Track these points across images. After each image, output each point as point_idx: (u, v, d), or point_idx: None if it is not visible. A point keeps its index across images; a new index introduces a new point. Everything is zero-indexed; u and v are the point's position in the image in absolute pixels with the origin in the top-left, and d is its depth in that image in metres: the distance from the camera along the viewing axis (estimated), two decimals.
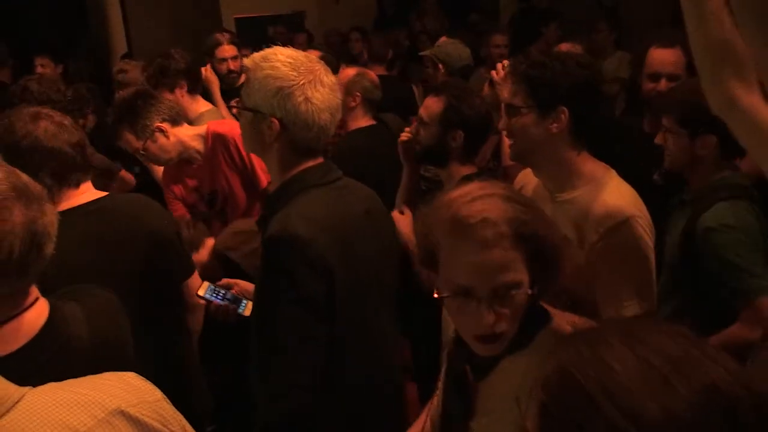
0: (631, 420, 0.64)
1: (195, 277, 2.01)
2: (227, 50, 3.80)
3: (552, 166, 1.70)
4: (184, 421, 1.05)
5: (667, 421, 0.63)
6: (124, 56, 5.87)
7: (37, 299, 1.21)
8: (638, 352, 0.68)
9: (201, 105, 3.25)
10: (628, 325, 0.80)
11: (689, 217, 1.89)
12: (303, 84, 1.48)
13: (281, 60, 1.50)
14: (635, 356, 0.68)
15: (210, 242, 2.27)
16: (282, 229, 1.45)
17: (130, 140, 2.53)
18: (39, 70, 5.00)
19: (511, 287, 1.07)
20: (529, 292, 1.08)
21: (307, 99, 1.48)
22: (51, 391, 0.95)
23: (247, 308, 1.97)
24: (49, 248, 1.18)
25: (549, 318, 1.16)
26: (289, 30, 6.72)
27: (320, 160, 1.59)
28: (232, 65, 3.76)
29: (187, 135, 2.64)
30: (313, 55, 1.88)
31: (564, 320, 1.15)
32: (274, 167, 1.60)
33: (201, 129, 2.71)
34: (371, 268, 1.57)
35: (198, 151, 2.67)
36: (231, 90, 3.61)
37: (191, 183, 2.79)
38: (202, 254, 2.24)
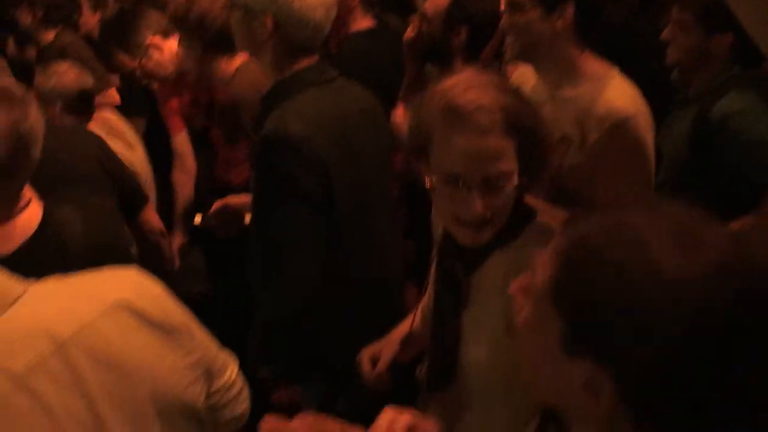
0: (651, 277, 0.62)
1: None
2: None
3: (554, 63, 1.65)
4: (188, 315, 1.03)
5: (683, 282, 0.61)
6: None
7: (29, 202, 1.21)
8: (656, 217, 0.66)
9: None
10: (641, 199, 0.76)
11: (697, 111, 1.83)
12: None
13: None
14: (653, 220, 0.65)
15: None
16: (277, 128, 1.45)
17: (124, 61, 2.46)
18: None
19: (501, 176, 1.06)
20: (516, 182, 1.08)
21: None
22: (53, 285, 0.95)
23: (246, 217, 1.95)
24: (36, 151, 1.16)
25: (535, 213, 1.17)
26: None
27: (315, 58, 1.57)
28: None
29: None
30: None
31: (552, 216, 1.15)
32: (268, 66, 1.58)
33: None
34: (369, 166, 1.58)
35: None
36: None
37: (188, 96, 2.67)
38: None
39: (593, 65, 1.65)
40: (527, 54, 1.69)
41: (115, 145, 2.01)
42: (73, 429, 0.84)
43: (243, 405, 1.09)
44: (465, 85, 1.08)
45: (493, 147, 1.05)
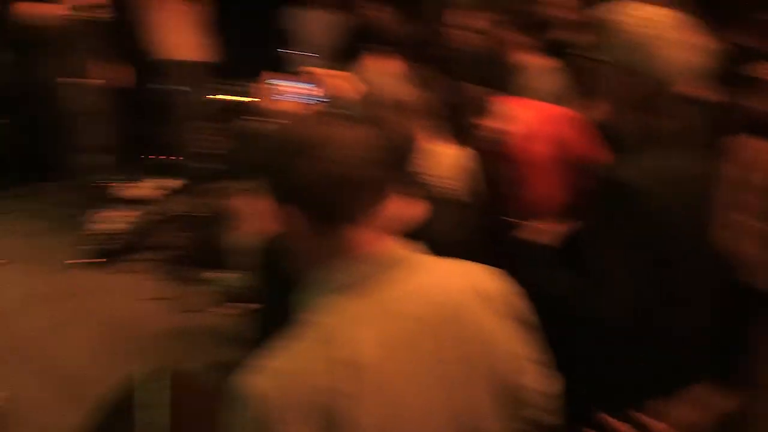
0: None
1: None
2: None
3: None
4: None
5: None
6: None
7: None
8: None
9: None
10: None
11: None
12: (659, 38, 1.52)
13: (639, 15, 1.55)
14: None
15: None
16: (621, 174, 1.50)
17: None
18: None
19: None
20: None
21: (663, 55, 1.52)
22: (436, 261, 1.14)
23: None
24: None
25: None
26: None
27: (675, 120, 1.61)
28: None
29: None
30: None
31: None
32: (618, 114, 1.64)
33: None
34: (698, 234, 1.61)
35: None
36: None
37: None
38: None
39: None
40: None
41: None
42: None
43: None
44: None
45: None
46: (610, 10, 1.60)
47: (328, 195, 1.04)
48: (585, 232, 1.65)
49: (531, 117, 2.64)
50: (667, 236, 1.52)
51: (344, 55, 5.68)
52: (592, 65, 1.70)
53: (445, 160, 2.98)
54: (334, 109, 1.45)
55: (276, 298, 1.41)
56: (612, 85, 1.64)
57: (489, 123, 2.60)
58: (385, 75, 1.56)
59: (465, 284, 1.12)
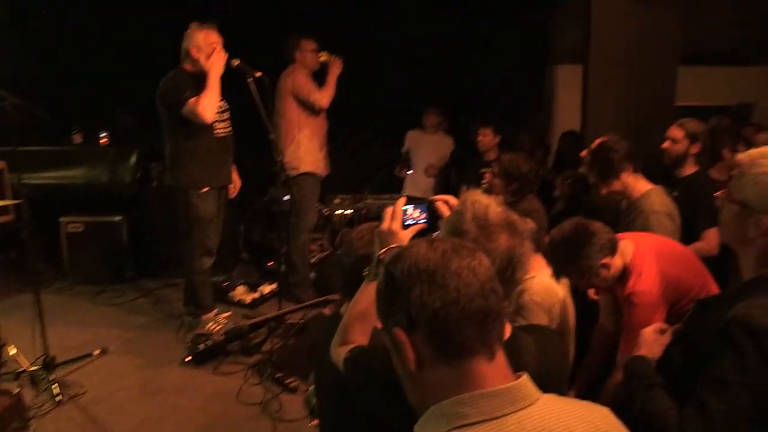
0: None
1: None
2: None
3: None
4: None
5: None
6: (568, 133, 6.21)
7: None
8: None
9: (642, 184, 3.34)
10: None
11: None
12: None
13: None
14: None
15: None
16: (746, 315, 1.46)
17: (574, 276, 2.66)
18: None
19: None
20: None
21: None
22: (557, 400, 1.10)
23: None
24: (520, 273, 1.44)
25: None
26: (734, 121, 6.93)
27: None
28: None
29: (617, 264, 2.59)
30: None
31: None
32: (753, 260, 1.61)
33: (628, 256, 2.60)
34: None
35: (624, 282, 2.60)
36: None
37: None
38: None
39: None
40: None
41: None
42: None
43: None
44: None
45: None
46: (751, 153, 1.61)
47: (453, 326, 1.02)
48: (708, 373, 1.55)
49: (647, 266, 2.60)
50: None
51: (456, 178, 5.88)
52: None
53: (542, 287, 2.91)
54: (450, 235, 1.46)
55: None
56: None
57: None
58: (492, 201, 1.55)
59: (588, 427, 1.08)
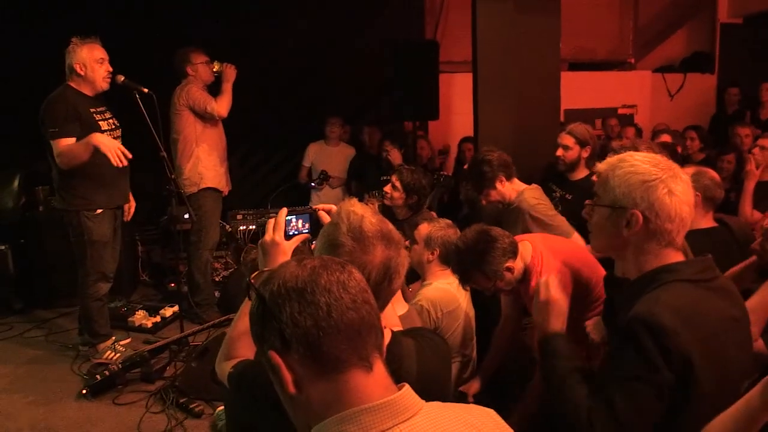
0: None
1: None
2: None
3: None
4: None
5: None
6: (466, 139, 6.23)
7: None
8: None
9: (515, 186, 3.62)
10: None
11: None
12: (665, 178, 1.58)
13: (640, 159, 1.63)
14: None
15: None
16: (648, 312, 1.51)
17: (480, 282, 2.73)
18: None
19: None
20: None
21: (670, 191, 1.57)
22: (439, 408, 1.10)
23: None
24: (397, 283, 1.47)
25: None
26: (619, 123, 7.22)
27: (680, 254, 1.64)
28: None
29: (522, 265, 2.74)
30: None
31: None
32: (632, 260, 1.66)
33: (528, 256, 2.76)
34: (729, 377, 1.57)
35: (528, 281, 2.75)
36: None
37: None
38: None
39: None
40: None
41: None
42: None
43: None
44: None
45: None
46: (608, 161, 1.70)
47: (327, 341, 1.01)
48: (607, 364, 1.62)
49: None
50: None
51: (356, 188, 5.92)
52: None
53: (437, 292, 2.99)
54: (326, 248, 1.48)
55: None
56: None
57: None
58: (367, 211, 1.56)
59: (470, 430, 1.11)
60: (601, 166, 1.71)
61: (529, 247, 2.79)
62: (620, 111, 8.03)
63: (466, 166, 4.18)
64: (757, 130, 6.01)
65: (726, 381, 1.55)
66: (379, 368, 1.07)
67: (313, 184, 6.13)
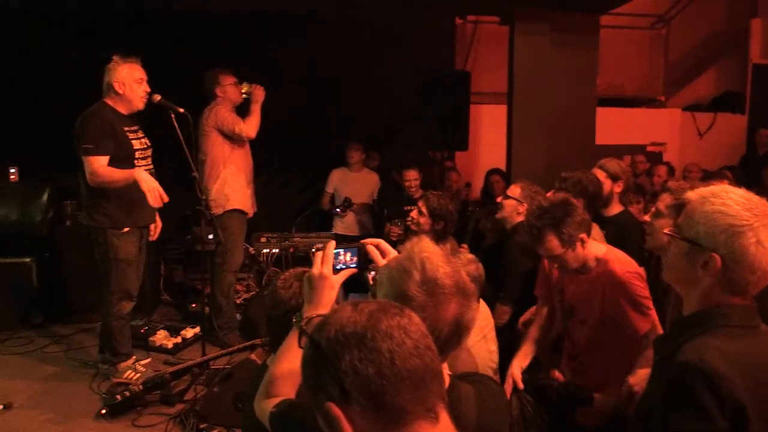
0: None
1: None
2: None
3: None
4: None
5: None
6: (493, 171, 6.29)
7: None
8: None
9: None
10: None
11: None
12: (756, 226, 1.46)
13: (733, 198, 1.50)
14: None
15: None
16: (699, 359, 1.42)
17: (552, 245, 2.78)
18: None
19: None
20: None
21: (758, 241, 1.46)
22: None
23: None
24: (466, 338, 1.42)
25: None
26: (648, 160, 7.24)
27: (748, 301, 1.54)
28: None
29: (591, 251, 2.82)
30: None
31: None
32: (695, 300, 1.57)
33: (601, 251, 2.85)
34: None
35: (588, 268, 2.84)
36: None
37: (563, 290, 2.96)
38: None
39: None
40: None
41: None
42: None
43: None
44: None
45: None
46: (701, 191, 1.58)
47: (390, 391, 0.95)
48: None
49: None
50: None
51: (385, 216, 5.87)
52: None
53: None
54: (393, 299, 1.37)
55: None
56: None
57: None
58: (440, 257, 1.45)
59: None
60: (691, 195, 1.59)
61: (604, 246, 2.90)
62: (649, 148, 7.96)
63: (499, 199, 4.11)
64: None
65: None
66: (445, 419, 1.01)
67: (337, 210, 6.09)
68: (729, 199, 1.50)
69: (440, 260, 1.40)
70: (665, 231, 1.66)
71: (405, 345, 0.98)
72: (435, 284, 1.35)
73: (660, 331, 2.63)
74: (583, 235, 2.76)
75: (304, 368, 1.04)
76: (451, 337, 1.34)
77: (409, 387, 0.96)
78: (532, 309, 3.43)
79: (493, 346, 2.91)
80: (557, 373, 3.00)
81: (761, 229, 1.46)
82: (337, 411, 0.96)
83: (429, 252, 1.41)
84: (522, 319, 3.53)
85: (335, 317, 1.02)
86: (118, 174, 3.80)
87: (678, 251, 1.58)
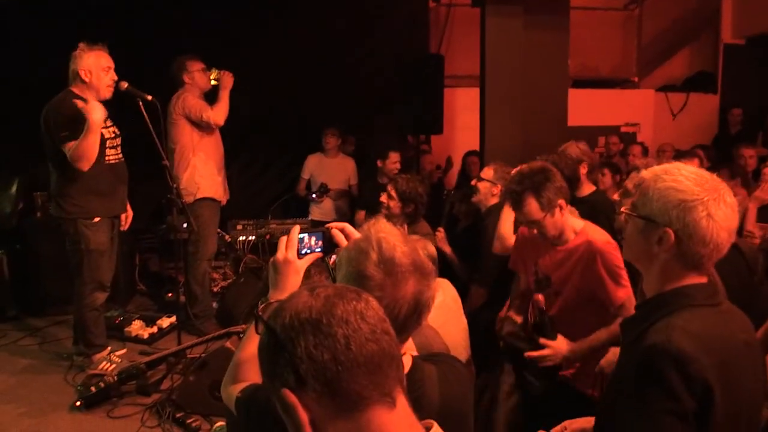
0: None
1: None
2: None
3: None
4: None
5: None
6: (470, 153, 6.30)
7: (403, 354, 1.25)
8: None
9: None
10: None
11: None
12: (707, 200, 1.49)
13: (684, 175, 1.53)
14: None
15: None
16: (666, 341, 1.44)
17: (531, 209, 2.81)
18: None
19: None
20: None
21: (709, 215, 1.49)
22: None
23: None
24: (426, 317, 1.41)
25: None
26: (622, 141, 7.28)
27: (705, 279, 1.57)
28: None
29: (568, 223, 2.88)
30: None
31: None
32: (654, 276, 1.60)
33: (578, 225, 2.91)
34: (746, 401, 1.51)
35: (566, 239, 2.89)
36: None
37: (538, 261, 2.99)
38: None
39: None
40: None
41: None
42: None
43: None
44: None
45: None
46: (654, 169, 1.62)
47: (346, 376, 0.94)
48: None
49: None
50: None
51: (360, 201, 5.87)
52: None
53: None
54: (351, 279, 1.39)
55: None
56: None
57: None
58: (398, 237, 1.45)
59: None
60: (645, 174, 1.64)
61: (581, 222, 2.96)
62: (623, 129, 8.03)
63: (473, 182, 4.12)
64: (762, 150, 6.00)
65: (742, 408, 1.50)
66: (402, 403, 1.00)
67: (313, 196, 6.07)
68: (680, 176, 1.53)
69: (397, 240, 1.40)
70: (621, 210, 1.69)
71: (361, 330, 0.96)
72: (392, 263, 1.36)
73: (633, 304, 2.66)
74: (562, 201, 2.81)
75: (260, 354, 1.02)
76: (410, 315, 1.35)
77: (365, 372, 0.95)
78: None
79: (464, 325, 2.92)
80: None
81: (711, 203, 1.49)
82: (292, 398, 0.95)
83: (386, 232, 1.42)
84: (500, 314, 3.54)
85: (291, 303, 1.01)
86: (87, 140, 3.69)
87: (634, 228, 1.61)
